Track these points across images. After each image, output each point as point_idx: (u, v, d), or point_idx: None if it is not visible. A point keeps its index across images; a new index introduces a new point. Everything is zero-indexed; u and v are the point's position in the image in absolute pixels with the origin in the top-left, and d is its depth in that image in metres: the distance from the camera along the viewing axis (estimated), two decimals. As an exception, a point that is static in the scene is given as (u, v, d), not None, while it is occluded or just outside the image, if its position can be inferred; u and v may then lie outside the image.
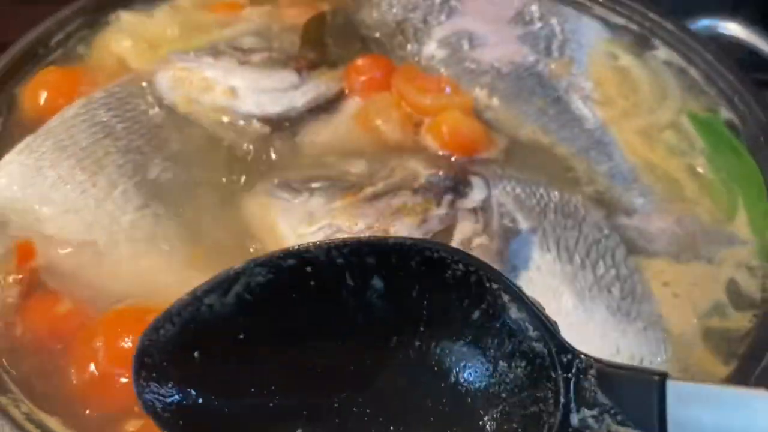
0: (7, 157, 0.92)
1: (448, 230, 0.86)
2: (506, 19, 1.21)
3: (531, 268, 0.82)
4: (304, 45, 1.10)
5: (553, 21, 1.22)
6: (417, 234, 0.83)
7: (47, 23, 1.13)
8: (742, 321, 0.86)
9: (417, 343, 0.62)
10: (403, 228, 0.83)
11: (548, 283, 0.81)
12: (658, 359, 0.79)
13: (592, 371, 0.55)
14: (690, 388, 0.53)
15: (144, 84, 1.05)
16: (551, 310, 0.76)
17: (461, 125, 1.02)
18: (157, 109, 1.02)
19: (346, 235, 0.82)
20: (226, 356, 0.62)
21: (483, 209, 0.87)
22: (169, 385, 0.60)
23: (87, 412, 0.75)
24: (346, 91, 1.08)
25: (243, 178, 0.95)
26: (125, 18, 1.17)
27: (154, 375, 0.59)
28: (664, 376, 0.53)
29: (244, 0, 1.26)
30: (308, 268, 0.61)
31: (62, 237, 0.86)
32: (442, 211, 0.87)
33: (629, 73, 1.17)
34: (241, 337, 0.62)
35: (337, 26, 1.20)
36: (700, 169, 1.03)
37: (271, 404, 0.61)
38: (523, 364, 0.58)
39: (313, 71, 1.08)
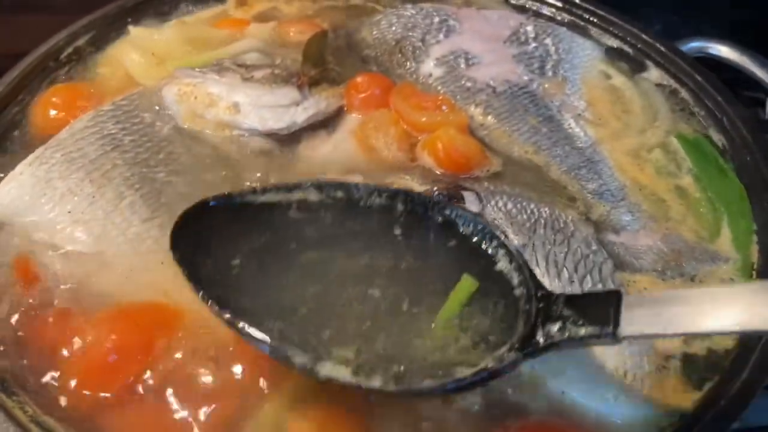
0: (18, 168, 0.95)
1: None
2: (502, 39, 1.24)
3: (520, 284, 0.85)
4: (305, 62, 1.13)
5: (548, 41, 1.25)
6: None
7: (57, 38, 1.16)
8: (725, 339, 0.88)
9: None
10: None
11: (536, 299, 0.84)
12: (641, 372, 0.82)
13: (561, 298, 0.71)
14: (640, 298, 0.71)
15: (151, 98, 1.08)
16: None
17: (456, 142, 1.05)
18: (163, 122, 1.05)
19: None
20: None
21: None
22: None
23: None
24: (346, 108, 1.11)
25: (245, 192, 0.98)
26: (134, 33, 1.21)
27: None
28: (620, 292, 0.69)
29: (250, 16, 1.30)
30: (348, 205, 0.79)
31: (71, 247, 0.89)
32: (436, 226, 0.89)
33: (622, 93, 1.21)
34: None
35: (338, 44, 1.23)
36: (686, 189, 1.07)
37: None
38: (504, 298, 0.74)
39: (314, 88, 1.11)
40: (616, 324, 0.66)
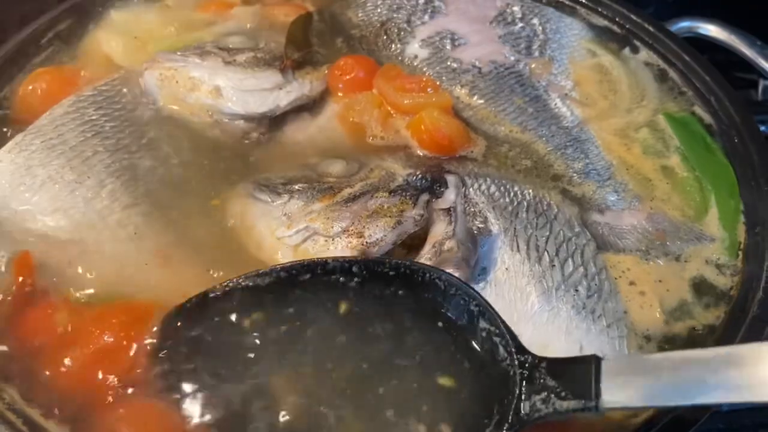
0: (-3, 155, 0.94)
1: (423, 230, 0.89)
2: (488, 19, 1.23)
3: (500, 268, 0.84)
4: (289, 45, 1.12)
5: (535, 21, 1.24)
6: (391, 237, 0.85)
7: (38, 22, 1.15)
8: (708, 318, 0.89)
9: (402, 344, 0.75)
10: (378, 230, 0.85)
11: (516, 284, 0.84)
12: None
13: (543, 364, 0.69)
14: (621, 361, 0.70)
15: (132, 82, 1.07)
16: (518, 311, 0.82)
17: (440, 124, 1.04)
18: (144, 107, 1.05)
19: (322, 239, 0.85)
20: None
21: (456, 209, 0.89)
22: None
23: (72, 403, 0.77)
24: (330, 91, 1.10)
25: (227, 177, 0.98)
26: (115, 17, 1.20)
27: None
28: (599, 358, 0.67)
29: (235, -1, 1.28)
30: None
31: (51, 235, 0.88)
32: (417, 211, 0.89)
33: (609, 73, 1.20)
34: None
35: (323, 26, 1.22)
36: (673, 168, 1.06)
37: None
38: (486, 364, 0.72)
39: (297, 71, 1.10)
40: (597, 396, 0.65)
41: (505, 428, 0.66)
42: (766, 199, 0.98)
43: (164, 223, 0.91)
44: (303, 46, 1.14)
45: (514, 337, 0.71)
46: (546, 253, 0.87)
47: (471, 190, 0.93)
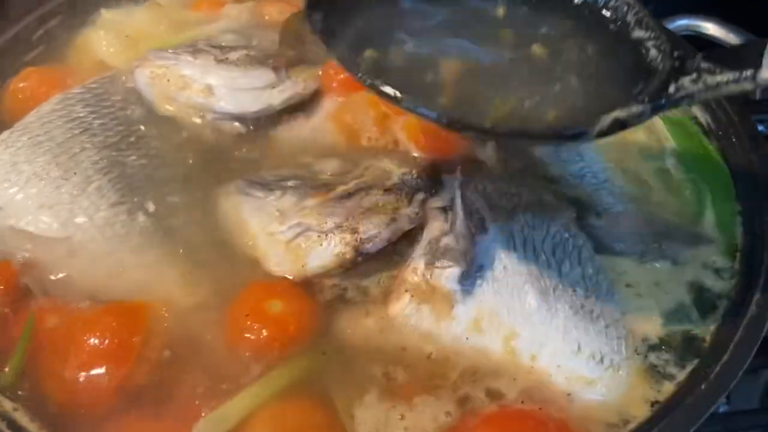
0: (-18, 152, 0.92)
1: (419, 228, 0.87)
2: (485, 19, 1.22)
3: (497, 267, 0.83)
4: (282, 43, 1.11)
5: (531, 20, 1.23)
6: (386, 233, 0.84)
7: (28, 19, 1.14)
8: (706, 320, 0.87)
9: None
10: (372, 226, 0.84)
11: (513, 282, 0.82)
12: (618, 357, 0.80)
13: (700, 54, 0.71)
14: None
15: (122, 81, 1.06)
16: (516, 310, 0.80)
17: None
18: (134, 105, 1.03)
19: (315, 234, 0.84)
20: None
21: (452, 208, 0.88)
22: None
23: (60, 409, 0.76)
24: (324, 90, 1.09)
25: (218, 176, 0.96)
26: (106, 16, 1.19)
27: None
28: (765, 40, 0.67)
29: (227, -4, 1.26)
30: None
31: (37, 232, 0.87)
32: (413, 209, 0.88)
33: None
34: None
35: (317, 24, 1.21)
36: (670, 170, 1.05)
37: None
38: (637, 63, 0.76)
39: (291, 69, 1.09)
40: (757, 66, 0.65)
41: (646, 102, 0.68)
42: (763, 199, 0.97)
43: (153, 220, 0.90)
44: (296, 45, 1.13)
45: (672, 39, 0.74)
46: (543, 253, 0.86)
47: (468, 190, 0.91)
